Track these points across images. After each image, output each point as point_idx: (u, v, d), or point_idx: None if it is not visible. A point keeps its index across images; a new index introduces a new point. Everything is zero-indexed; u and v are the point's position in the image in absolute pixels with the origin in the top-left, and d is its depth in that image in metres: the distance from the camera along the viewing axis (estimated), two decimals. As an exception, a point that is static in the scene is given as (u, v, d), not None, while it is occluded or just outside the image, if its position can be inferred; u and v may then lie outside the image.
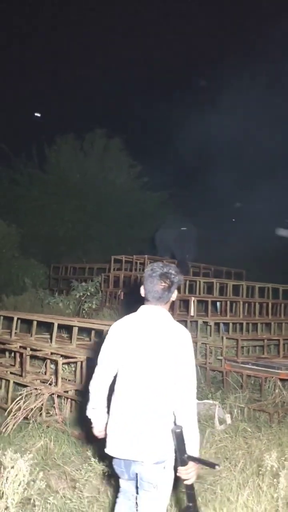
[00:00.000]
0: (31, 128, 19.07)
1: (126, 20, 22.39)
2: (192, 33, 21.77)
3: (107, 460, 3.54)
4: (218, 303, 8.64)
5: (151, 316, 2.73)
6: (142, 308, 2.79)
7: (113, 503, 3.03)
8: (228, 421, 5.82)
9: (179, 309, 8.07)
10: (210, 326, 7.66)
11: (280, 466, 3.63)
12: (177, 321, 7.45)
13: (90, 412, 2.82)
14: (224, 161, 18.27)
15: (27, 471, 2.94)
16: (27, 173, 16.11)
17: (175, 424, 2.58)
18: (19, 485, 2.90)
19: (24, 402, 4.99)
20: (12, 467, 2.83)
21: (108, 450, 2.67)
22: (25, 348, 6.13)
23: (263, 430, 5.42)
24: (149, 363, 2.62)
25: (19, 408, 5.00)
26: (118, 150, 17.14)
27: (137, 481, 2.65)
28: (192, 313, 7.78)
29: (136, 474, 2.63)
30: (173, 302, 2.87)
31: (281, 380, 6.54)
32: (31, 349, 6.06)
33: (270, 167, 18.73)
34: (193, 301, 7.84)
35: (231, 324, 8.04)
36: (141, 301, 2.84)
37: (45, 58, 21.18)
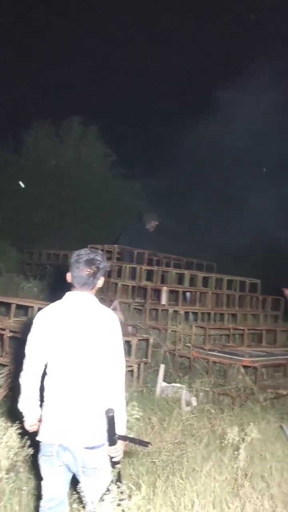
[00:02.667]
0: (8, 111, 18.93)
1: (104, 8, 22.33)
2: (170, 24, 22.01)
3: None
4: (188, 294, 9.02)
5: (78, 302, 2.73)
6: (68, 294, 2.79)
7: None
8: (194, 403, 6.25)
9: (151, 298, 8.42)
10: (180, 315, 8.06)
11: (241, 440, 4.07)
12: (149, 309, 7.83)
13: (22, 405, 2.78)
14: (201, 153, 18.64)
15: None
16: (2, 157, 16.09)
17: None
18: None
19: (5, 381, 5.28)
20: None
21: (41, 437, 2.68)
22: (4, 329, 6.40)
23: (226, 412, 5.87)
24: (79, 348, 2.64)
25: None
26: (94, 138, 17.26)
27: (76, 467, 2.65)
28: (163, 302, 8.16)
29: (73, 460, 2.63)
30: (100, 288, 2.87)
31: (244, 367, 7.02)
32: (10, 331, 6.34)
33: (248, 161, 19.23)
34: (165, 291, 8.22)
35: (199, 314, 8.47)
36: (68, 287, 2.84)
37: (24, 41, 20.94)
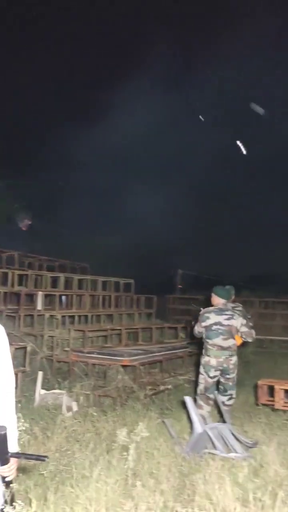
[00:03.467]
0: None
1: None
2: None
3: None
4: (63, 297, 8.89)
5: None
6: None
7: None
8: (75, 408, 6.17)
9: (25, 304, 8.12)
10: (57, 319, 7.89)
11: (130, 440, 4.08)
12: (24, 315, 7.55)
13: None
14: (77, 155, 18.52)
15: None
16: None
17: None
18: None
19: None
20: None
21: None
22: None
23: (109, 413, 5.88)
24: None
25: None
26: None
27: None
28: (39, 307, 7.91)
29: None
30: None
31: (123, 366, 7.11)
32: None
33: (124, 164, 19.54)
34: (40, 295, 7.98)
35: (76, 317, 8.39)
36: None
37: None
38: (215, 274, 15.88)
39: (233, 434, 4.79)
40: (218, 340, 5.74)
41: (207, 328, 5.82)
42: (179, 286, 14.86)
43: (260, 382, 6.22)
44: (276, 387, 5.86)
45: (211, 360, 5.76)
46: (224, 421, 5.16)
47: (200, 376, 5.86)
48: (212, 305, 5.97)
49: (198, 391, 5.87)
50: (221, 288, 6.02)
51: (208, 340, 5.79)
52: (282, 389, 5.86)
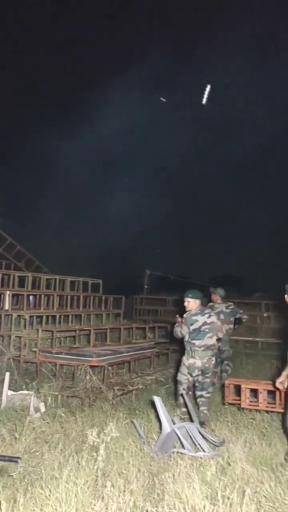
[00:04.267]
0: None
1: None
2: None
3: None
4: (31, 297, 8.80)
5: None
6: None
7: None
8: (43, 409, 6.12)
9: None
10: (25, 319, 7.81)
11: (100, 441, 4.10)
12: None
13: None
14: (42, 156, 18.39)
15: None
16: None
17: None
18: None
19: None
20: None
21: None
22: None
23: (77, 414, 5.87)
24: None
25: None
26: None
27: None
28: (6, 307, 7.81)
29: None
30: None
31: (91, 367, 7.10)
32: None
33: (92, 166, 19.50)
34: (8, 295, 7.88)
35: (44, 317, 8.32)
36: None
37: None
38: (182, 275, 16.08)
39: (200, 433, 4.87)
40: (206, 340, 5.93)
41: (196, 330, 5.95)
42: (146, 286, 14.92)
43: (226, 382, 6.34)
44: (243, 386, 5.98)
45: (196, 361, 5.89)
46: (192, 420, 5.24)
47: (183, 377, 5.96)
48: (186, 309, 6.14)
49: (182, 391, 5.94)
50: (196, 291, 6.20)
51: (195, 342, 5.92)
52: (248, 388, 5.99)
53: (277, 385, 4.92)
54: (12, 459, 2.59)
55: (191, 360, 5.91)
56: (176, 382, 6.23)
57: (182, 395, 5.88)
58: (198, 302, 6.13)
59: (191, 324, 5.98)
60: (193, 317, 6.02)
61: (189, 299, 6.10)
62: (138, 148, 21.39)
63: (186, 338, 5.99)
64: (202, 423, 5.60)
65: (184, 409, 5.86)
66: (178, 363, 6.32)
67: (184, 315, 6.08)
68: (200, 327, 5.96)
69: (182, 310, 6.31)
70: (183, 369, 5.97)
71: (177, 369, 6.26)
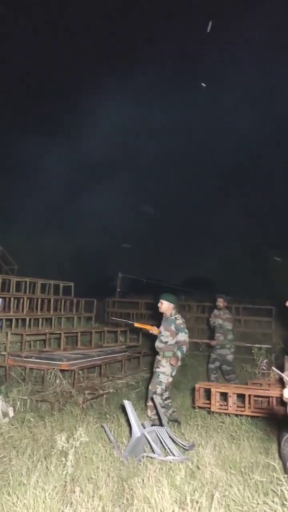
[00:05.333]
0: None
1: None
2: None
3: None
4: (0, 299, 8.64)
5: None
6: None
7: None
8: (11, 413, 6.02)
9: None
10: (-6, 322, 7.68)
11: (69, 446, 4.06)
12: None
13: None
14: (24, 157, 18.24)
15: None
16: None
17: None
18: None
19: None
20: None
21: None
22: None
23: (47, 419, 5.80)
24: None
25: None
26: None
27: None
28: (-25, 310, 7.67)
29: None
30: None
31: (61, 371, 7.02)
32: None
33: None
34: (-23, 298, 7.73)
35: (14, 320, 8.19)
36: None
37: None
38: (154, 277, 16.11)
39: (170, 437, 4.88)
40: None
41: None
42: (119, 289, 14.87)
43: (197, 385, 6.36)
44: (213, 390, 6.01)
45: (179, 361, 6.11)
46: (161, 424, 5.24)
47: (164, 377, 6.06)
48: (161, 311, 6.37)
49: (160, 391, 6.02)
50: (172, 295, 6.50)
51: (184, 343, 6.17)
52: (218, 392, 6.02)
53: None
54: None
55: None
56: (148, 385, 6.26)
57: (152, 398, 5.89)
58: (172, 305, 6.31)
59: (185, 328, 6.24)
60: (183, 320, 6.31)
61: (164, 301, 6.30)
62: (117, 153, 21.51)
63: (173, 341, 6.11)
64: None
65: (153, 413, 5.90)
66: (150, 366, 6.35)
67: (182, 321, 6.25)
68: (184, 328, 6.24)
69: (155, 314, 6.37)
70: (166, 370, 6.06)
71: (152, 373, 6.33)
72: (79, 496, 3.63)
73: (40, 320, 8.76)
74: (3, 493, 3.71)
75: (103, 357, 8.06)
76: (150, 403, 6.02)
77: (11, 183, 18.42)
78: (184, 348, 6.13)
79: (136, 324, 6.90)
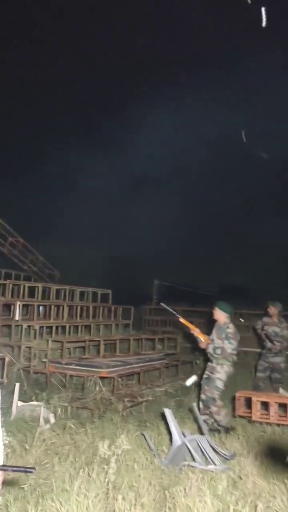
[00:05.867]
0: None
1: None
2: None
3: None
4: (41, 307, 8.82)
5: None
6: None
7: None
8: (52, 420, 6.12)
9: (2, 314, 8.03)
10: (35, 329, 7.83)
11: (111, 453, 4.09)
12: (1, 326, 7.48)
13: None
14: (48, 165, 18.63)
15: None
16: None
17: None
18: None
19: None
20: None
21: None
22: None
23: (87, 426, 5.86)
24: None
25: None
26: None
27: None
28: (17, 317, 7.84)
29: None
30: None
31: (101, 378, 7.09)
32: None
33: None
34: (18, 305, 7.91)
35: (54, 327, 8.33)
36: None
37: None
38: (190, 285, 16.06)
39: (211, 446, 4.85)
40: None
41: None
42: (155, 297, 14.89)
43: (237, 394, 6.31)
44: (253, 399, 5.95)
45: (231, 368, 6.17)
46: (201, 433, 5.22)
47: (220, 383, 6.09)
48: (214, 319, 6.41)
49: (217, 397, 6.07)
50: (227, 304, 6.49)
51: (235, 351, 6.15)
52: (259, 401, 5.95)
53: None
54: (27, 470, 2.57)
55: (232, 369, 6.17)
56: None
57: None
58: (224, 314, 6.33)
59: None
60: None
61: (216, 308, 6.37)
62: (157, 165, 21.69)
63: (231, 350, 6.12)
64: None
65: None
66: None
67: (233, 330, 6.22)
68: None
69: (192, 322, 6.34)
70: (223, 376, 6.09)
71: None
72: (121, 504, 3.65)
73: (80, 327, 8.89)
74: (46, 499, 3.77)
75: (142, 364, 8.09)
76: (213, 408, 6.00)
77: (56, 193, 18.88)
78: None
79: (181, 319, 6.77)
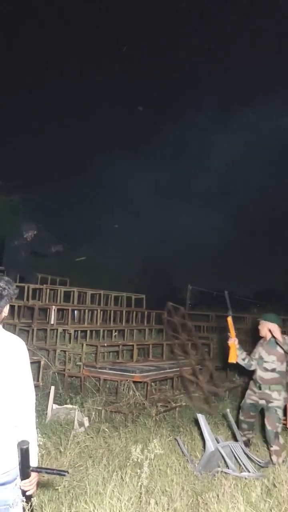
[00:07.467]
0: None
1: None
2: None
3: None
4: (75, 311, 8.95)
5: None
6: None
7: None
8: (86, 423, 6.19)
9: (38, 318, 8.19)
10: (70, 333, 7.95)
11: (144, 457, 4.12)
12: (37, 329, 7.61)
13: None
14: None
15: None
16: None
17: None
18: None
19: None
20: None
21: None
22: None
23: (121, 429, 5.90)
24: None
25: None
26: None
27: None
28: (52, 321, 7.98)
29: None
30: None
31: (134, 382, 7.13)
32: None
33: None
34: (54, 310, 8.05)
35: (88, 331, 8.43)
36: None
37: None
38: (224, 290, 15.90)
39: (245, 453, 4.81)
40: None
41: None
42: (189, 302, 14.83)
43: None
44: (288, 406, 5.85)
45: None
46: (236, 440, 5.17)
47: (281, 413, 5.37)
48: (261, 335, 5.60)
49: (280, 430, 5.38)
50: (275, 314, 5.64)
51: None
52: (294, 408, 5.85)
53: None
54: (60, 473, 2.62)
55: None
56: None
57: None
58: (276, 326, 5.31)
59: None
60: None
61: (267, 322, 5.49)
62: (197, 173, 21.86)
63: (282, 367, 5.40)
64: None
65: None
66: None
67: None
68: None
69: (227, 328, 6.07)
70: (283, 404, 5.39)
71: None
72: (154, 508, 3.67)
73: (113, 331, 8.96)
74: (80, 501, 3.83)
75: (175, 369, 8.08)
76: (274, 447, 5.13)
77: (94, 200, 19.27)
78: None
79: (229, 318, 5.61)
